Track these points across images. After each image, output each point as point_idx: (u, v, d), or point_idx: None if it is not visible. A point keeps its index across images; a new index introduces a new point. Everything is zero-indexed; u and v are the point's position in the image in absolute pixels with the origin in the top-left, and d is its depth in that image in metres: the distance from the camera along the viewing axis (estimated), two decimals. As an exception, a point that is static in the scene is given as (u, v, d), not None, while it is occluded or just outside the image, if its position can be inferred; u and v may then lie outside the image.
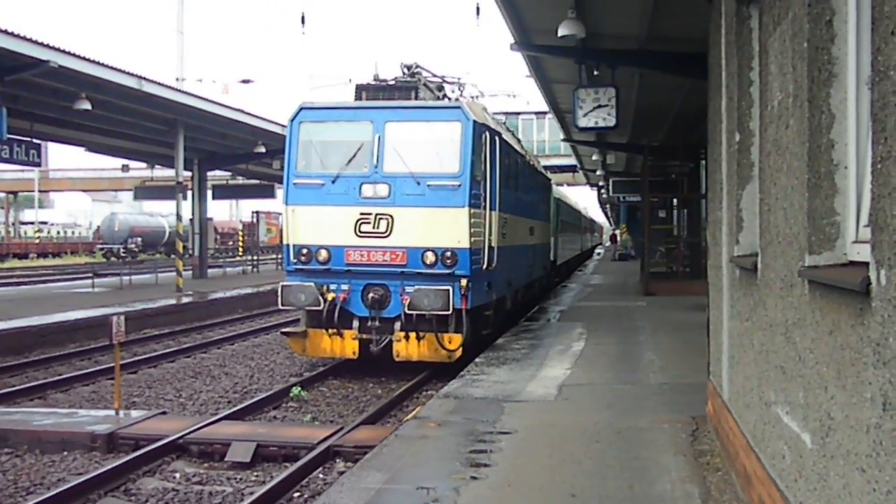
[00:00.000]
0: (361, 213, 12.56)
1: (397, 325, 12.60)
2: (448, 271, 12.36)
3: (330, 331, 12.81)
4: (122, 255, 54.79)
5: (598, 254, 68.49)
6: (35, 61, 17.02)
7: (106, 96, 20.95)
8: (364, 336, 12.74)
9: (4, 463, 8.74)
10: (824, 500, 3.58)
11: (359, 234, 12.57)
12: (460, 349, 12.46)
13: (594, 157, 33.30)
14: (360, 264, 12.63)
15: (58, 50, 17.62)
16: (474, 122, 12.64)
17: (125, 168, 54.31)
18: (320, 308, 12.56)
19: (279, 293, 12.84)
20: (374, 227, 12.51)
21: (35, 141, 23.65)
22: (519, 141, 20.26)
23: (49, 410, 10.91)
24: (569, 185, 53.74)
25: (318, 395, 12.24)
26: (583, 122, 14.20)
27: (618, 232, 58.98)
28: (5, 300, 23.11)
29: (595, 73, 14.26)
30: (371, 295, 12.60)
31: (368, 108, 13.12)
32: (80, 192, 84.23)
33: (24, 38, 16.60)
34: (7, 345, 15.94)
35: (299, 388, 12.04)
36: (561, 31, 12.13)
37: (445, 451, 7.20)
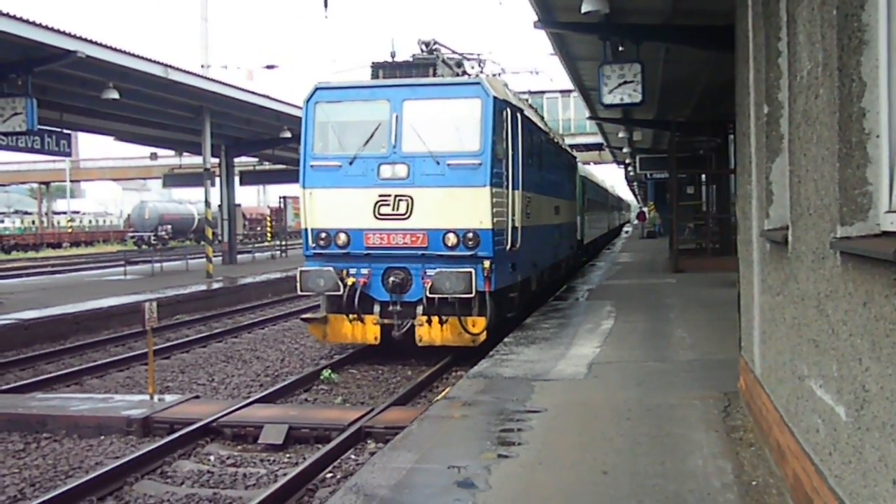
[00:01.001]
0: (380, 195, 12.26)
1: (419, 309, 12.32)
2: (470, 253, 12.06)
3: (350, 316, 12.58)
4: (153, 242, 55.33)
5: (627, 232, 68.17)
6: (63, 52, 17.17)
7: (133, 85, 21.10)
8: (386, 321, 12.50)
9: (44, 448, 8.91)
10: (860, 473, 3.55)
11: (378, 216, 12.29)
12: (484, 333, 12.19)
13: (620, 135, 33.00)
14: (380, 247, 12.36)
15: (85, 40, 17.76)
16: (494, 98, 12.27)
17: (154, 156, 54.86)
18: (340, 293, 12.33)
19: (298, 278, 12.58)
20: (393, 209, 12.22)
21: (65, 131, 23.98)
22: (542, 118, 19.78)
23: (85, 396, 11.09)
24: (595, 163, 53.43)
25: (348, 377, 12.32)
26: (608, 99, 14.05)
27: (645, 209, 58.57)
28: (40, 289, 23.45)
29: (620, 48, 14.08)
30: (392, 279, 12.32)
31: (385, 86, 12.77)
32: (110, 181, 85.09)
33: (52, 30, 16.74)
34: (43, 332, 16.19)
35: (329, 371, 12.13)
36: (584, 7, 12.00)
37: (476, 431, 7.22)
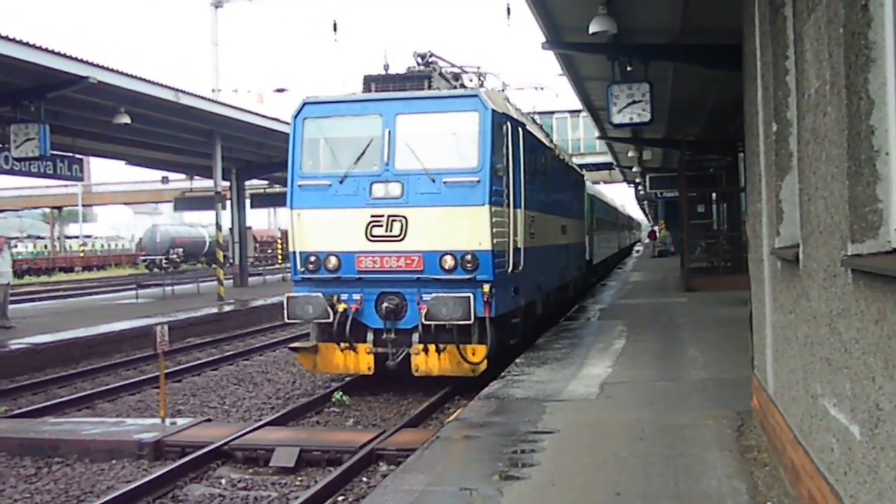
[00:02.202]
0: (372, 216, 11.58)
1: (415, 336, 11.58)
2: (469, 276, 11.33)
3: (342, 345, 11.82)
4: (165, 265, 55.51)
5: (637, 251, 68.04)
6: (75, 78, 17.33)
7: (144, 110, 21.26)
8: (379, 349, 11.77)
9: (55, 472, 8.91)
10: (875, 493, 3.52)
11: (370, 238, 11.58)
12: (485, 362, 11.40)
13: (630, 154, 33.09)
14: (373, 271, 11.65)
15: (97, 66, 17.93)
16: (493, 111, 11.59)
17: (165, 180, 55.16)
18: (330, 320, 11.62)
19: (285, 305, 11.85)
20: (386, 231, 11.53)
21: (77, 156, 24.17)
22: (548, 134, 19.11)
23: (97, 420, 11.10)
24: (605, 182, 53.48)
25: (359, 399, 12.29)
26: (617, 119, 14.09)
27: (656, 228, 58.48)
28: (53, 313, 23.53)
29: (628, 68, 14.14)
30: (385, 305, 11.58)
31: (377, 100, 12.09)
32: (122, 204, 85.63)
33: (64, 56, 16.91)
34: (55, 356, 16.23)
35: (341, 393, 12.10)
36: (592, 28, 12.06)
37: (488, 452, 7.19)
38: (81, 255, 69.60)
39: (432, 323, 11.20)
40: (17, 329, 18.80)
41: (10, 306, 20.41)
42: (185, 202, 37.21)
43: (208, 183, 32.59)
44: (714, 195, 32.06)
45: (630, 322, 16.11)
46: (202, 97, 23.70)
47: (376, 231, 11.58)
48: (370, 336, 11.86)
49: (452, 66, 14.11)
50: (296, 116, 12.31)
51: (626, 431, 7.68)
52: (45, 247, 73.84)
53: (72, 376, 15.07)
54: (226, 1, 36.54)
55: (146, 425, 10.21)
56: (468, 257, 11.32)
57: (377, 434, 9.35)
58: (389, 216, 11.53)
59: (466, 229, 11.34)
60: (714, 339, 13.43)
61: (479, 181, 11.34)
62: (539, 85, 38.11)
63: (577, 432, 7.76)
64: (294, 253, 12.08)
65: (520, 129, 12.77)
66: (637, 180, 46.82)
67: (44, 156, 18.48)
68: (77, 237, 78.90)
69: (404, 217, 11.49)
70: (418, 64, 13.06)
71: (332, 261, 11.81)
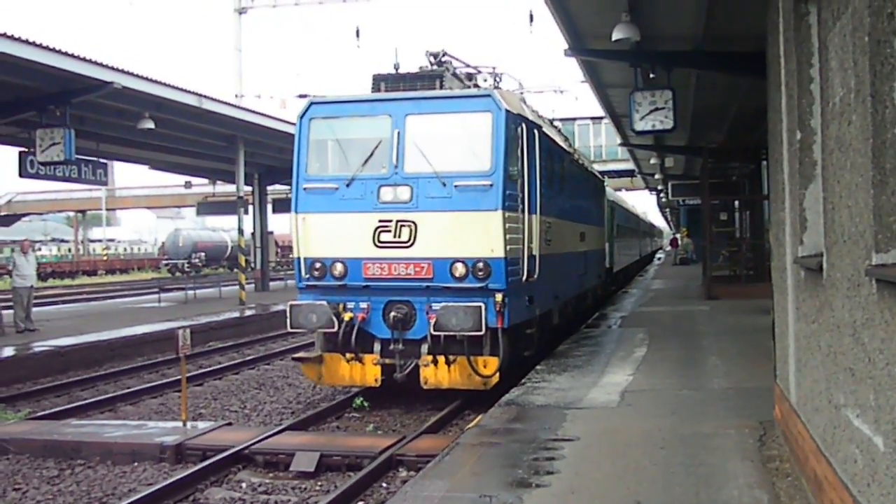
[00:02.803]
0: (380, 221, 11.11)
1: (424, 347, 11.09)
2: (481, 285, 10.80)
3: (348, 355, 11.29)
4: (187, 269, 55.83)
5: (659, 258, 67.78)
6: (100, 83, 17.50)
7: (168, 115, 21.44)
8: (387, 361, 11.27)
9: (78, 474, 8.98)
10: (899, 505, 3.48)
11: (378, 244, 11.10)
12: (497, 375, 10.87)
13: (652, 161, 32.97)
14: (381, 279, 11.15)
15: (121, 71, 18.10)
16: (507, 112, 11.11)
17: (188, 184, 55.51)
18: (335, 330, 11.12)
19: (287, 314, 11.37)
20: (395, 236, 11.04)
21: (101, 160, 24.37)
22: (566, 139, 18.34)
23: (119, 422, 11.18)
24: (627, 189, 53.29)
25: (379, 405, 12.30)
26: (640, 126, 14.04)
27: (678, 236, 58.21)
28: (76, 316, 23.74)
29: (651, 75, 14.10)
30: (393, 314, 11.09)
31: (386, 100, 11.63)
32: (145, 209, 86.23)
33: (89, 61, 17.08)
34: (78, 359, 16.37)
35: (361, 399, 12.11)
36: (615, 35, 12.04)
37: (508, 459, 7.18)
38: (105, 258, 70.19)
39: (441, 334, 10.71)
40: (41, 331, 18.98)
41: (34, 309, 20.62)
42: (208, 207, 37.49)
43: (231, 188, 32.82)
44: (737, 203, 31.85)
45: (651, 330, 16.04)
46: (225, 102, 23.87)
47: (384, 237, 11.11)
48: (377, 346, 11.39)
49: (467, 66, 13.53)
50: (302, 116, 11.86)
51: (646, 440, 7.64)
52: (69, 250, 74.53)
53: (94, 379, 15.19)
54: (249, 7, 36.78)
55: (168, 428, 10.28)
56: (480, 265, 10.84)
57: (397, 440, 9.36)
58: (398, 221, 11.07)
59: (478, 235, 10.86)
60: (736, 347, 13.35)
61: (491, 185, 10.86)
62: (558, 88, 36.61)
63: (598, 440, 7.73)
64: (299, 259, 11.59)
65: (535, 132, 12.33)
66: (659, 187, 46.61)
67: (69, 160, 18.71)
68: (100, 241, 79.57)
69: (413, 222, 11.02)
70: (431, 64, 12.52)
71: (339, 267, 11.36)
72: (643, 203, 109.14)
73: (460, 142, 11.39)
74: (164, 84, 20.06)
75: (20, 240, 23.94)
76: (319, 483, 8.46)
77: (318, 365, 11.64)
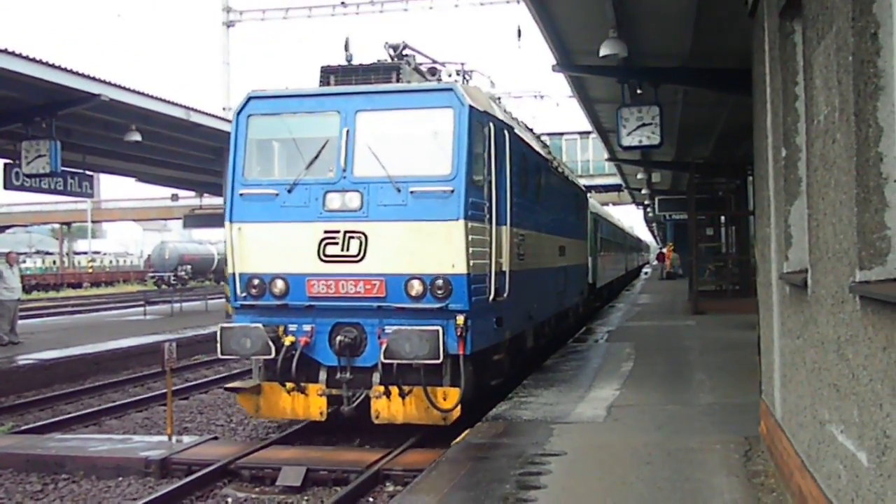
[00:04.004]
0: (326, 232, 9.80)
1: (376, 376, 9.70)
2: (440, 305, 9.50)
3: (288, 385, 10.01)
4: (173, 282, 55.58)
5: (646, 273, 67.99)
6: (87, 95, 17.47)
7: (155, 127, 21.41)
8: (334, 391, 9.93)
9: (62, 489, 8.91)
10: (883, 521, 3.50)
11: (323, 258, 9.80)
12: (458, 408, 9.59)
13: (639, 176, 33.13)
14: (326, 297, 9.83)
15: (108, 84, 18.07)
16: (471, 108, 9.79)
17: (174, 197, 55.25)
18: (272, 356, 9.74)
19: (218, 338, 9.94)
20: (342, 249, 9.73)
21: (87, 173, 24.24)
22: (546, 145, 17.02)
23: (104, 437, 11.11)
24: (614, 204, 53.47)
25: (366, 418, 12.24)
26: (627, 141, 14.14)
27: (664, 250, 58.46)
28: (61, 329, 23.60)
29: (638, 91, 14.22)
30: (340, 338, 9.75)
31: (334, 94, 10.36)
32: (131, 221, 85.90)
33: (76, 73, 17.05)
34: (63, 372, 16.26)
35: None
36: (603, 51, 12.14)
37: (495, 474, 7.17)
38: (90, 271, 69.83)
39: (393, 362, 9.38)
40: (25, 344, 18.85)
41: (19, 321, 20.47)
42: (195, 219, 37.33)
43: (218, 200, 32.76)
44: (723, 218, 32.04)
45: (638, 344, 16.07)
46: (213, 115, 23.83)
47: (330, 250, 9.80)
48: (323, 375, 10.05)
49: (434, 62, 12.04)
50: (238, 112, 10.56)
51: (633, 455, 7.65)
52: (54, 262, 74.09)
53: (79, 392, 15.08)
54: (238, 21, 36.81)
55: (153, 443, 10.23)
56: (439, 282, 9.53)
57: (384, 454, 9.34)
58: (346, 232, 9.77)
59: (437, 249, 9.56)
60: (722, 362, 13.39)
61: (452, 191, 9.56)
62: (539, 93, 34.43)
63: (585, 455, 7.74)
64: (233, 275, 10.27)
65: (506, 133, 11.03)
66: (646, 202, 46.83)
67: (55, 172, 18.61)
68: (86, 253, 79.19)
69: (363, 233, 9.73)
70: (391, 57, 11.17)
71: (279, 285, 10.03)
72: (630, 218, 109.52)
73: (418, 142, 10.20)
74: (152, 97, 20.04)
75: (5, 252, 23.80)
76: (306, 498, 8.43)
77: (256, 396, 10.31)
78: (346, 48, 11.10)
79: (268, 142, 10.75)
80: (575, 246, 19.24)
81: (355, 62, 10.88)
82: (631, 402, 10.25)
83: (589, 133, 39.10)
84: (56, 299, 47.19)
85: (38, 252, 77.23)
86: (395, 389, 9.62)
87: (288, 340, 9.82)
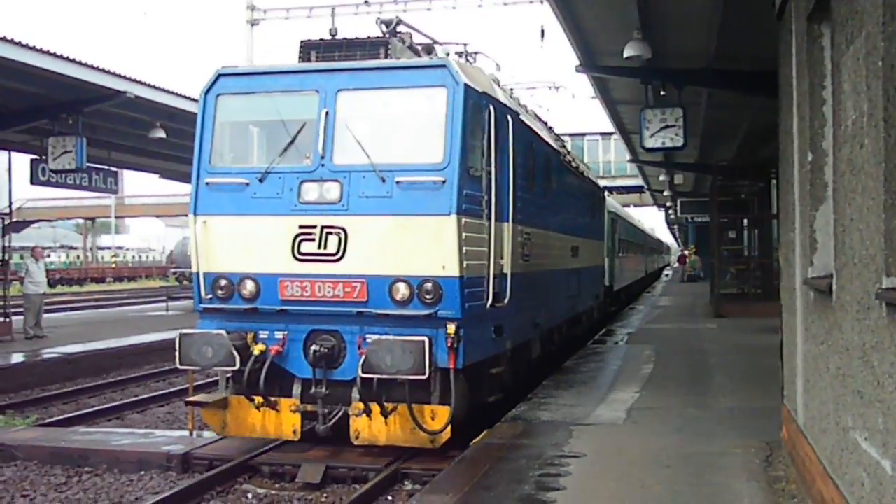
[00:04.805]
0: (301, 227, 8.62)
1: (355, 391, 8.52)
2: (428, 312, 8.31)
3: (257, 400, 8.78)
4: (194, 278, 55.88)
5: (667, 275, 67.75)
6: (112, 92, 17.60)
7: (179, 124, 21.53)
8: (309, 407, 8.78)
9: (85, 481, 9.01)
10: (907, 530, 3.48)
11: (298, 256, 8.62)
12: (448, 429, 8.37)
13: (661, 178, 33.00)
14: (301, 301, 8.67)
15: (134, 81, 18.20)
16: (468, 87, 8.58)
17: (197, 193, 55.63)
18: (237, 367, 8.52)
19: (177, 346, 8.77)
20: (319, 247, 8.56)
21: (112, 169, 24.50)
22: (559, 137, 15.63)
23: (126, 431, 11.22)
24: (636, 205, 53.33)
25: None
26: (650, 143, 14.11)
27: (686, 252, 58.20)
28: (84, 323, 23.83)
29: (662, 93, 14.18)
30: (315, 347, 8.56)
31: (313, 71, 9.15)
32: (154, 217, 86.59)
33: (102, 70, 17.19)
34: (86, 366, 16.43)
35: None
36: (627, 52, 12.12)
37: (514, 474, 7.18)
38: (113, 266, 70.51)
39: (372, 376, 8.20)
40: (50, 338, 19.06)
41: (43, 315, 20.69)
42: (217, 216, 37.56)
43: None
44: (745, 221, 31.83)
45: (658, 347, 16.02)
46: (237, 113, 23.95)
47: (306, 247, 8.63)
48: (297, 388, 8.91)
49: (433, 41, 10.69)
50: (206, 91, 9.40)
51: (652, 458, 7.63)
52: (78, 257, 74.86)
53: (102, 386, 15.24)
54: (262, 19, 36.98)
55: (174, 437, 10.32)
56: (428, 286, 8.34)
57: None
58: (324, 227, 8.58)
59: (426, 247, 8.39)
60: (743, 366, 13.32)
61: (444, 182, 8.36)
62: (553, 84, 31.79)
63: (604, 458, 7.73)
64: (198, 274, 9.11)
65: (509, 118, 9.80)
66: (668, 204, 46.66)
67: (80, 168, 18.78)
68: (109, 248, 79.94)
69: (343, 229, 8.54)
70: (383, 34, 9.82)
71: (248, 286, 8.87)
72: (651, 219, 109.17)
73: (406, 125, 9.15)
74: (177, 94, 20.16)
75: (31, 247, 24.07)
76: (325, 495, 8.46)
77: (222, 411, 9.14)
78: (332, 20, 9.76)
79: (239, 125, 9.71)
80: (590, 246, 18.20)
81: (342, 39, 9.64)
82: (651, 405, 10.22)
83: (611, 134, 39.03)
84: (80, 294, 47.68)
85: (62, 247, 78.07)
86: (376, 407, 8.45)
87: (257, 349, 8.67)
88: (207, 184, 9.16)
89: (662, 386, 11.63)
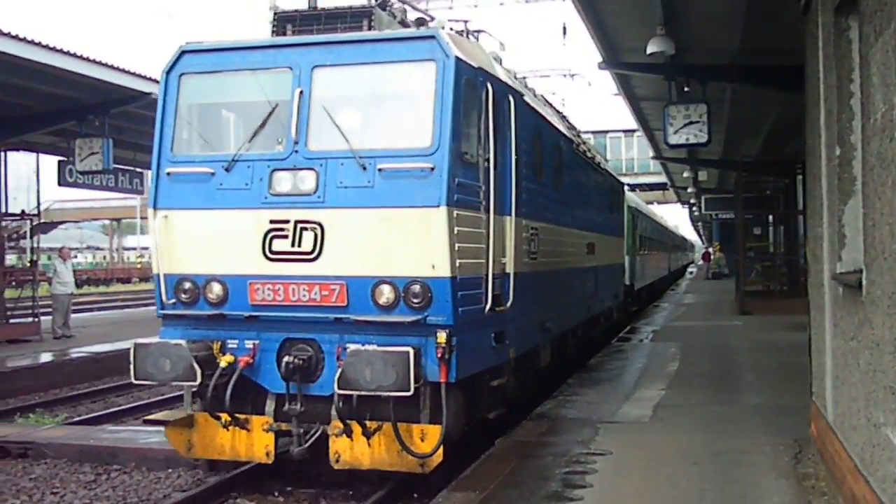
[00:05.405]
0: (273, 221, 7.61)
1: (334, 409, 7.42)
2: (416, 317, 7.27)
3: (224, 418, 7.83)
4: (219, 278, 56.27)
5: (691, 272, 67.38)
6: (139, 94, 17.74)
7: (204, 125, 21.67)
8: (283, 426, 7.74)
9: (114, 479, 9.10)
10: (940, 526, 3.45)
11: (269, 255, 7.61)
12: (439, 451, 7.29)
13: (685, 175, 32.82)
14: (273, 306, 7.67)
15: (159, 82, 18.33)
16: (459, 61, 7.49)
17: (221, 194, 56.00)
18: (198, 382, 7.52)
19: (131, 357, 7.82)
20: (293, 244, 7.55)
21: (138, 170, 24.70)
22: (573, 126, 14.53)
23: (154, 429, 11.25)
24: (659, 202, 53.06)
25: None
26: (673, 139, 14.02)
27: (710, 249, 57.84)
28: (111, 323, 24.05)
29: (685, 89, 14.10)
30: (288, 358, 7.52)
31: (285, 45, 8.08)
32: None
33: (129, 72, 17.34)
34: (113, 366, 16.56)
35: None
36: (650, 48, 12.06)
37: (540, 472, 7.17)
38: (139, 266, 71.00)
39: (351, 392, 7.15)
40: (77, 338, 19.26)
41: (71, 315, 20.91)
42: (241, 216, 37.79)
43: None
44: (771, 217, 31.59)
45: (684, 344, 15.93)
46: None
47: (278, 245, 7.62)
48: (270, 405, 7.85)
49: (428, 16, 9.67)
50: (168, 71, 8.36)
51: (679, 455, 7.60)
52: (104, 258, 75.56)
53: (129, 385, 15.31)
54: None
55: (201, 436, 10.36)
56: (415, 288, 7.31)
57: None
58: (297, 222, 7.57)
59: (413, 244, 7.36)
60: (770, 363, 13.23)
61: (432, 169, 7.29)
62: (569, 72, 30.23)
63: (631, 455, 7.70)
64: (158, 276, 8.13)
65: (511, 98, 8.74)
66: (692, 201, 46.38)
67: (107, 169, 18.95)
68: (135, 249, 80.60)
69: (319, 224, 7.52)
70: (368, 3, 8.59)
71: (215, 289, 7.87)
72: (675, 216, 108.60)
73: (389, 105, 8.10)
74: (201, 95, 20.28)
75: (58, 247, 24.33)
76: (352, 491, 8.49)
77: (188, 430, 8.15)
78: None
79: (204, 107, 8.61)
80: (608, 243, 16.98)
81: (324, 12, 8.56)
82: (677, 403, 10.18)
83: (633, 131, 38.83)
84: (106, 294, 48.10)
85: (88, 248, 78.86)
86: (357, 427, 7.40)
87: (225, 361, 7.64)
88: (169, 174, 8.09)
89: (688, 383, 11.57)
